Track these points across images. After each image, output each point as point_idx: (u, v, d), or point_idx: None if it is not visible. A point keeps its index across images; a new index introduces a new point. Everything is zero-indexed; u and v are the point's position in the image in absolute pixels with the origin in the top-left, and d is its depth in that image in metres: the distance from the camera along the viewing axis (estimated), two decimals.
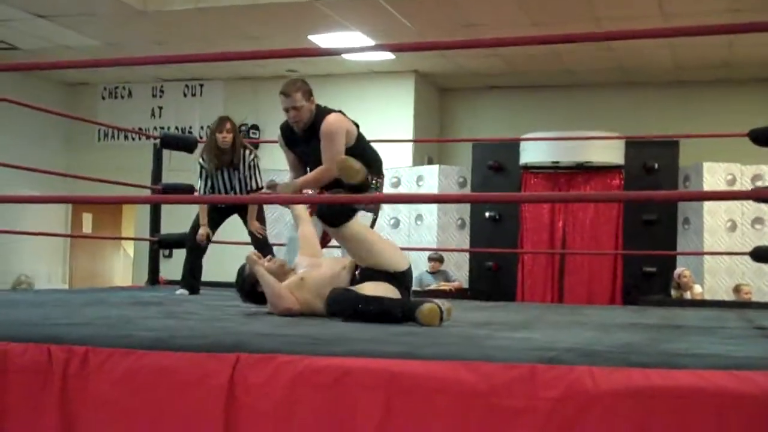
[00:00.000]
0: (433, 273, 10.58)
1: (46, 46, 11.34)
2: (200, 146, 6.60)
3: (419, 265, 10.72)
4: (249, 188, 6.11)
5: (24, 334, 2.74)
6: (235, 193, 6.13)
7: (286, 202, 4.20)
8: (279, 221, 10.01)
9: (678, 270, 9.73)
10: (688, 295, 9.43)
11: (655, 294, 9.41)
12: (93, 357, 2.57)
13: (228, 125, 6.04)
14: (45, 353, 2.61)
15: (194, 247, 6.19)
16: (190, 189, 6.83)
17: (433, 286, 10.24)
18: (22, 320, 3.29)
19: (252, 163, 6.15)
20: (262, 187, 6.19)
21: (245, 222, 6.23)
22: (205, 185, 6.16)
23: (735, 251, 9.65)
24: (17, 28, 10.79)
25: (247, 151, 6.16)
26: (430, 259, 10.63)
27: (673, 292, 9.65)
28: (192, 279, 6.18)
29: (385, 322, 3.53)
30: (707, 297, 9.52)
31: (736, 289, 9.69)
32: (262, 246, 5.99)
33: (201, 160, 6.17)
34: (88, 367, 2.57)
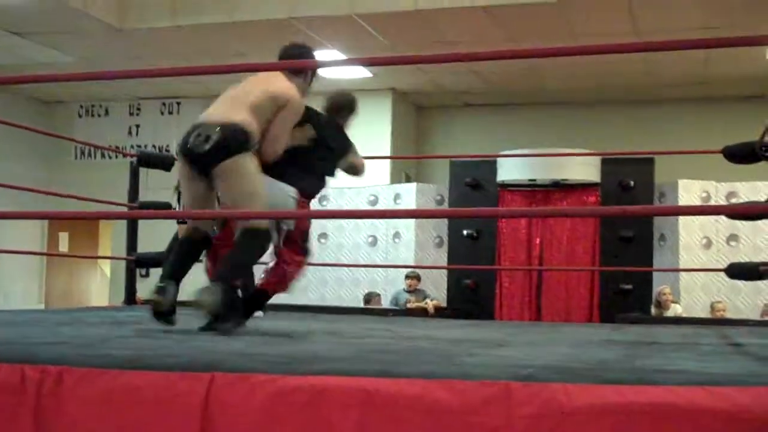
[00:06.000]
0: (411, 291, 10.57)
1: (22, 63, 11.29)
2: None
3: (397, 283, 10.72)
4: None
5: None
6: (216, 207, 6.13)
7: (258, 217, 4.19)
8: None
9: (659, 288, 9.78)
10: (669, 314, 9.46)
11: (632, 311, 9.44)
12: (68, 377, 2.55)
13: None
14: (19, 373, 2.59)
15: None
16: (167, 207, 6.80)
17: (410, 305, 10.23)
18: None
19: None
20: None
21: None
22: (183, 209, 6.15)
23: (710, 268, 9.71)
24: None
25: None
26: (407, 276, 10.61)
27: (653, 310, 9.70)
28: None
29: None
30: (684, 314, 9.57)
31: (711, 307, 9.77)
32: None
33: (178, 184, 6.14)
34: (62, 387, 2.55)
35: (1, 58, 11.29)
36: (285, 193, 4.22)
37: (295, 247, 4.34)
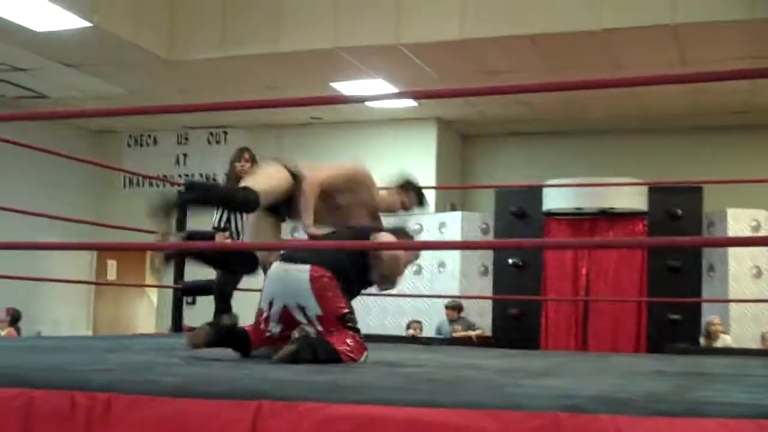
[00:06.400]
0: (453, 321, 10.50)
1: (73, 94, 11.50)
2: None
3: (441, 312, 10.67)
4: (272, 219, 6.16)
5: (47, 380, 2.75)
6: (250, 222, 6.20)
7: (294, 247, 4.20)
8: None
9: (708, 318, 9.64)
10: (718, 345, 9.32)
11: (680, 342, 9.31)
12: (116, 403, 2.57)
13: (246, 155, 6.23)
14: (68, 400, 2.61)
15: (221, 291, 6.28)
16: (214, 236, 6.85)
17: (455, 334, 10.18)
18: (46, 366, 3.31)
19: None
20: (284, 220, 6.24)
21: None
22: (221, 216, 6.23)
23: (761, 298, 9.56)
24: (45, 77, 10.96)
25: None
26: (446, 307, 10.51)
27: (702, 341, 9.55)
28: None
29: None
30: (734, 345, 9.42)
31: (762, 338, 9.61)
32: None
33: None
34: (111, 414, 2.57)
35: (54, 90, 11.51)
36: (295, 269, 4.08)
37: (340, 334, 4.00)
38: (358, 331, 4.08)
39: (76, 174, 13.36)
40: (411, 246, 4.91)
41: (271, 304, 4.13)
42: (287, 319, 4.10)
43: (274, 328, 4.12)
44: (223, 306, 6.28)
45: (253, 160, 6.22)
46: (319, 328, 4.02)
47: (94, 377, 2.87)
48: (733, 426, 2.15)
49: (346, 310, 4.08)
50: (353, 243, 4.31)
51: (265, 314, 4.14)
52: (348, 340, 4.00)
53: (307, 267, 4.05)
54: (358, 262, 4.30)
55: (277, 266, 4.18)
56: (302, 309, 4.05)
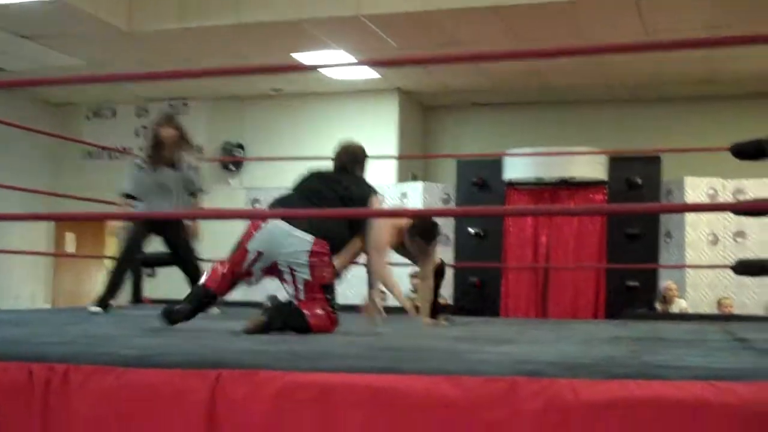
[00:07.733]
0: (416, 291, 10.52)
1: (31, 67, 11.31)
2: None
3: (402, 281, 10.69)
4: (194, 189, 6.08)
5: (5, 352, 2.73)
6: (172, 192, 6.01)
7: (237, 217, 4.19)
8: None
9: (664, 283, 9.77)
10: (674, 309, 9.47)
11: (638, 308, 9.44)
12: (74, 375, 2.56)
13: (172, 121, 6.05)
14: (26, 372, 2.60)
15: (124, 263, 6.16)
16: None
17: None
18: (4, 339, 3.28)
19: (193, 163, 6.09)
20: (202, 190, 6.12)
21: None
22: (136, 181, 6.04)
23: (717, 264, 9.69)
24: (2, 50, 10.77)
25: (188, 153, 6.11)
26: (412, 276, 10.54)
27: (658, 306, 9.69)
28: (110, 296, 5.95)
29: None
30: (690, 311, 9.56)
31: (718, 303, 9.76)
32: (184, 248, 6.11)
33: (138, 155, 6.14)
34: (69, 385, 2.56)
35: (11, 63, 11.32)
36: (298, 236, 4.14)
37: (315, 302, 4.11)
38: (331, 302, 4.17)
39: (35, 146, 13.20)
40: (377, 213, 4.94)
41: (260, 254, 4.17)
42: (272, 271, 4.21)
43: (257, 274, 4.25)
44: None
45: (179, 128, 6.02)
46: (300, 288, 4.11)
47: (52, 349, 2.86)
48: (688, 388, 2.19)
49: (329, 281, 4.20)
50: (340, 212, 4.35)
51: (251, 258, 4.19)
52: (317, 310, 4.09)
53: (310, 238, 4.13)
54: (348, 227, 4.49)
55: (277, 224, 4.18)
56: (292, 271, 4.13)
